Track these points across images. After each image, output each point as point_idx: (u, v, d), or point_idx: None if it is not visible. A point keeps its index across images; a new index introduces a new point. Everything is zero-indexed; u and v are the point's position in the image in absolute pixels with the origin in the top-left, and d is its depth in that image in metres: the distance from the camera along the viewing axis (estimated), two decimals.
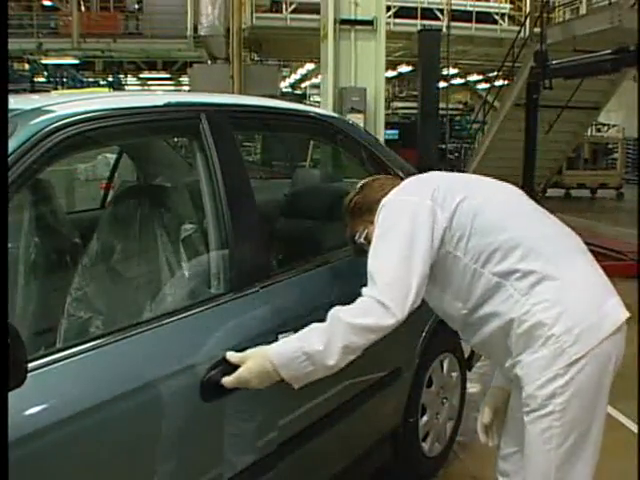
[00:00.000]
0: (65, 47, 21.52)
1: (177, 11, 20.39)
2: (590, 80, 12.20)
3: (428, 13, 18.01)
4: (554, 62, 9.64)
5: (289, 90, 30.23)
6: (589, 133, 19.37)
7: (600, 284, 2.03)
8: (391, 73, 24.59)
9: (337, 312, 1.92)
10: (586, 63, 9.30)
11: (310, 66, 24.16)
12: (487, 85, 22.52)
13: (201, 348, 1.96)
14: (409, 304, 1.92)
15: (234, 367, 1.93)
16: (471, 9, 18.34)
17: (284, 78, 27.50)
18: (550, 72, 9.61)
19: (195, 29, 17.82)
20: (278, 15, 17.38)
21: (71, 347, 1.72)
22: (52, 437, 1.57)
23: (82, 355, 1.70)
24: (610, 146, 20.06)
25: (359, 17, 9.61)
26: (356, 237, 2.30)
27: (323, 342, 1.88)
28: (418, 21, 17.33)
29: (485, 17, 18.79)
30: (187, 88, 20.74)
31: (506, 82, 16.16)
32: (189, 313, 2.00)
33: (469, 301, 2.04)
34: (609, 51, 8.48)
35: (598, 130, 21.71)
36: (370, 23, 9.63)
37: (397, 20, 17.38)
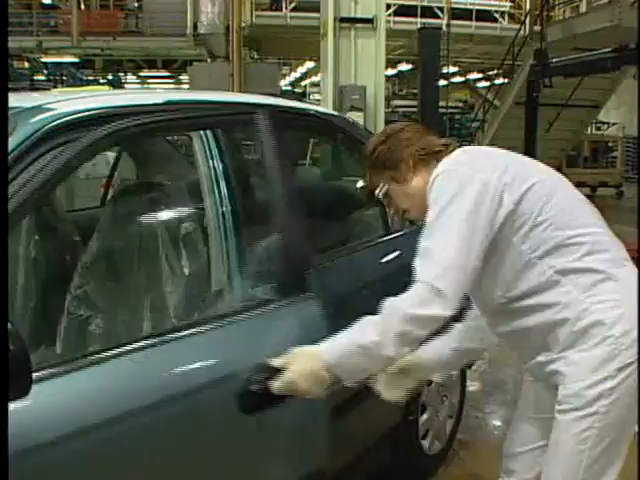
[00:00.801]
0: (65, 45, 21.50)
1: (177, 9, 20.37)
2: (590, 78, 12.21)
3: (428, 11, 17.99)
4: (554, 60, 9.64)
5: (289, 88, 30.19)
6: (589, 131, 19.35)
7: None
8: (391, 71, 24.58)
9: (392, 302, 1.78)
10: (586, 61, 9.32)
11: (310, 64, 24.14)
12: (487, 83, 22.51)
13: (239, 357, 1.90)
14: (463, 292, 1.82)
15: (273, 376, 1.81)
16: (471, 7, 18.33)
17: (284, 76, 27.49)
18: (550, 70, 9.62)
19: (195, 27, 17.81)
20: (278, 13, 17.37)
21: (97, 353, 1.70)
22: (86, 444, 1.56)
23: (112, 361, 1.68)
24: (610, 144, 20.05)
25: (359, 15, 9.62)
26: (376, 192, 2.11)
27: (378, 333, 1.75)
28: (418, 19, 17.32)
29: (485, 15, 18.79)
30: (187, 86, 20.70)
31: (506, 80, 16.17)
32: (230, 319, 1.94)
33: (514, 290, 1.92)
34: (609, 49, 8.49)
35: (598, 128, 21.70)
36: (370, 21, 9.63)
37: (397, 18, 17.35)
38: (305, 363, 1.80)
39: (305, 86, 30.99)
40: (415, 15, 17.56)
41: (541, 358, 1.95)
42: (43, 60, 22.66)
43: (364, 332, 1.78)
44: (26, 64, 23.15)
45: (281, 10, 17.28)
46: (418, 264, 1.81)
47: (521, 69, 13.65)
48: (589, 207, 2.02)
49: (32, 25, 21.47)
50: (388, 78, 23.70)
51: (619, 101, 18.52)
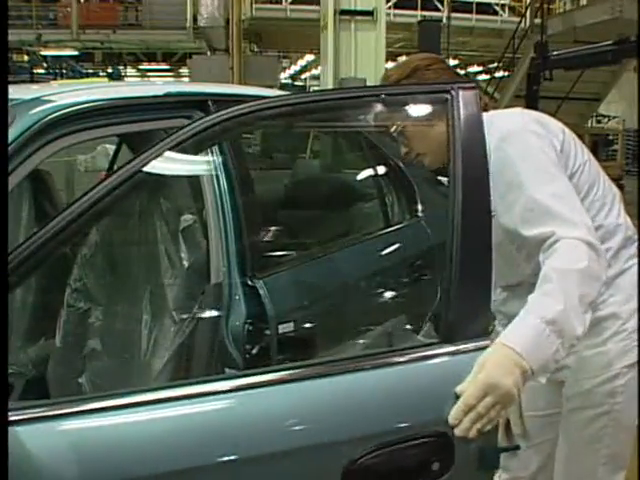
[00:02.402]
0: (64, 38, 21.49)
1: (177, 2, 20.36)
2: (591, 71, 12.20)
3: (428, 4, 17.97)
4: (554, 53, 9.63)
5: (289, 81, 30.17)
6: (589, 124, 19.33)
7: None
8: (391, 64, 24.56)
9: (557, 265, 1.51)
10: (586, 54, 9.31)
11: (310, 57, 24.11)
12: (487, 76, 22.47)
13: (361, 419, 1.41)
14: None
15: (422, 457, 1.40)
16: (471, 0, 18.29)
17: (284, 69, 27.45)
18: (550, 63, 9.61)
19: (195, 20, 17.79)
20: (278, 6, 17.34)
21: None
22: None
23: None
24: (610, 137, 20.03)
25: (359, 8, 9.61)
26: (392, 129, 1.94)
27: (561, 301, 1.43)
28: (418, 12, 17.29)
29: (485, 8, 18.76)
30: (187, 80, 20.69)
31: (506, 73, 16.15)
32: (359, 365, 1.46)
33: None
34: (610, 42, 8.47)
35: (598, 121, 21.67)
36: (370, 14, 9.62)
37: (397, 11, 17.35)
38: (498, 359, 1.39)
39: (305, 79, 30.96)
40: (415, 8, 17.54)
41: None
42: (42, 53, 22.65)
43: (544, 306, 1.44)
44: (25, 57, 23.14)
45: (281, 3, 17.25)
46: (554, 227, 1.57)
47: (521, 62, 13.64)
48: (621, 199, 1.94)
49: (31, 18, 21.44)
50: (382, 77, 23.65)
51: (620, 94, 18.49)
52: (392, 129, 1.92)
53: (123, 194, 1.42)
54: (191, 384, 1.39)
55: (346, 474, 1.33)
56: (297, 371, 1.42)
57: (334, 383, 1.40)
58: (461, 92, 1.59)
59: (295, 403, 1.38)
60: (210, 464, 1.30)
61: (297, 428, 1.36)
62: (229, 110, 1.54)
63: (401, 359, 1.46)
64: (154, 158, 1.46)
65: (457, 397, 1.36)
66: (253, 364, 1.83)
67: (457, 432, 1.35)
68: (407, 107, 1.86)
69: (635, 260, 1.86)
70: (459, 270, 1.48)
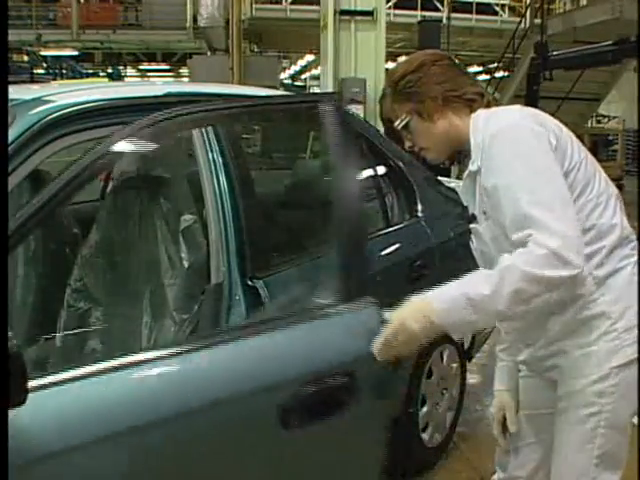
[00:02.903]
0: (64, 38, 21.49)
1: (177, 2, 20.37)
2: (590, 71, 12.19)
3: (428, 4, 17.95)
4: (554, 53, 9.62)
5: (289, 82, 30.17)
6: (589, 124, 19.34)
7: None
8: (391, 64, 24.55)
9: (510, 260, 1.65)
10: (586, 54, 9.30)
11: (310, 57, 24.12)
12: (487, 77, 22.47)
13: (291, 366, 1.74)
14: (582, 247, 1.66)
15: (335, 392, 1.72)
16: (471, 0, 18.29)
17: (284, 69, 27.46)
18: (550, 63, 9.61)
19: (194, 20, 17.80)
20: (278, 6, 17.32)
21: (140, 354, 1.62)
22: (117, 450, 1.48)
23: (147, 366, 1.58)
24: (610, 137, 20.03)
25: (359, 8, 9.61)
26: (396, 123, 1.92)
27: (491, 288, 1.63)
28: (418, 12, 17.28)
29: (485, 8, 18.75)
30: (187, 80, 20.70)
31: (506, 73, 16.14)
32: (284, 324, 1.79)
33: None
34: (610, 42, 8.47)
35: (598, 121, 21.67)
36: (370, 14, 9.63)
37: (397, 11, 17.33)
38: (416, 306, 1.71)
39: (305, 79, 30.96)
40: (415, 8, 17.52)
41: (541, 351, 1.91)
42: (42, 53, 22.64)
43: (475, 285, 1.66)
44: (25, 57, 23.14)
45: (281, 2, 17.24)
46: (529, 229, 1.64)
47: (521, 62, 13.64)
48: (618, 198, 1.92)
49: (31, 18, 21.44)
50: (388, 71, 23.67)
51: (619, 94, 18.49)
52: (396, 125, 1.92)
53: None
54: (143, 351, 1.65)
55: (282, 410, 1.66)
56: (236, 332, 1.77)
57: (266, 339, 1.73)
58: (324, 103, 1.99)
59: (236, 357, 1.68)
60: (169, 415, 1.53)
61: (240, 377, 1.65)
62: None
63: (313, 317, 1.82)
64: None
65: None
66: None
67: (379, 358, 1.75)
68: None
69: (629, 260, 1.84)
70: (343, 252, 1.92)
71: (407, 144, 1.98)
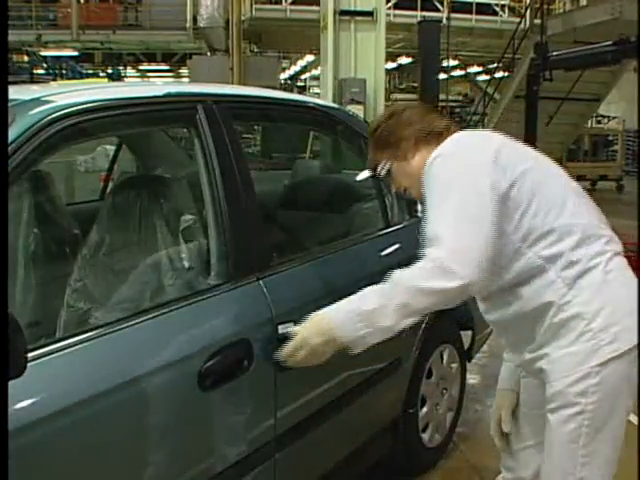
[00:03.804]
0: (64, 39, 21.51)
1: (176, 2, 20.37)
2: (590, 72, 12.20)
3: (428, 4, 17.95)
4: (554, 54, 9.62)
5: (289, 82, 30.17)
6: (589, 125, 19.34)
7: (635, 284, 1.92)
8: (391, 65, 24.55)
9: (398, 274, 1.80)
10: (586, 54, 9.30)
11: (310, 57, 24.12)
12: (487, 77, 22.48)
13: (199, 338, 1.95)
14: (477, 267, 1.73)
15: (238, 357, 1.91)
16: (471, 0, 18.29)
17: (284, 70, 27.46)
18: (550, 64, 9.60)
19: (194, 21, 17.81)
20: (278, 6, 17.32)
21: (67, 338, 1.72)
22: (46, 429, 1.56)
23: (78, 346, 1.69)
24: (610, 138, 20.03)
25: (359, 8, 9.62)
26: (378, 169, 2.12)
27: (379, 302, 1.78)
28: (418, 12, 17.28)
29: (485, 8, 18.75)
30: (187, 80, 20.70)
31: (506, 74, 16.15)
32: (187, 303, 1.98)
33: (505, 276, 1.90)
34: (609, 42, 8.47)
35: (598, 122, 21.68)
36: (370, 14, 9.64)
37: (397, 11, 17.34)
38: (314, 324, 1.89)
39: (305, 79, 30.97)
40: (415, 8, 17.52)
41: (528, 355, 1.95)
42: (42, 54, 22.65)
43: (366, 299, 1.81)
44: (25, 58, 23.14)
45: (281, 3, 17.24)
46: (428, 247, 1.78)
47: (521, 62, 13.64)
48: (582, 197, 1.99)
49: (31, 19, 21.44)
50: (388, 71, 23.69)
51: (619, 95, 18.49)
52: (378, 171, 2.12)
53: None
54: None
55: (200, 376, 1.88)
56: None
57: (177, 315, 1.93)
58: (200, 106, 2.20)
59: (154, 332, 1.87)
60: (113, 385, 1.70)
61: (161, 351, 1.85)
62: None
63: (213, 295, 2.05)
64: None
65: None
66: None
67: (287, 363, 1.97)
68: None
69: (601, 258, 1.86)
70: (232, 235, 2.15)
71: (393, 188, 2.19)
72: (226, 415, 2.05)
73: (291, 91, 24.28)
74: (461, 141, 1.97)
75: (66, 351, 1.66)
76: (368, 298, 1.82)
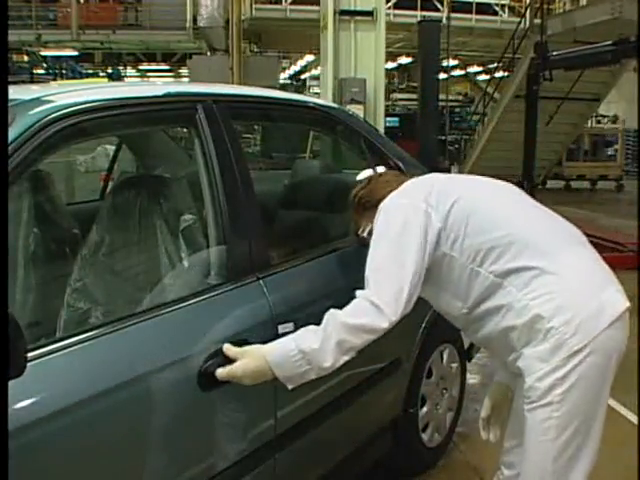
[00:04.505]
0: (64, 39, 21.50)
1: (176, 2, 20.36)
2: (590, 71, 12.18)
3: (428, 4, 17.96)
4: (554, 53, 9.61)
5: (289, 82, 30.17)
6: (589, 124, 19.33)
7: (599, 274, 2.02)
8: (391, 64, 24.55)
9: (333, 312, 1.94)
10: (586, 54, 9.28)
11: (310, 57, 24.12)
12: (487, 77, 22.48)
13: (199, 338, 1.96)
14: (402, 306, 1.94)
15: (230, 360, 1.93)
16: (471, 0, 18.28)
17: (284, 70, 27.46)
18: (550, 63, 9.58)
19: (194, 20, 17.81)
20: (278, 6, 17.33)
21: (66, 338, 1.72)
22: (46, 429, 1.56)
23: (78, 346, 1.70)
24: (610, 138, 20.02)
25: (359, 8, 9.61)
26: (359, 232, 2.33)
27: (318, 341, 1.89)
28: (418, 12, 17.28)
29: (485, 8, 18.75)
30: (187, 80, 20.70)
31: (506, 73, 16.14)
32: (188, 303, 1.99)
33: (468, 300, 2.06)
34: (609, 42, 8.46)
35: (598, 122, 21.67)
36: (370, 14, 9.63)
37: (397, 11, 17.34)
38: (253, 361, 1.92)
39: (305, 79, 30.97)
40: (415, 8, 17.53)
41: (510, 358, 2.04)
42: (42, 53, 22.65)
43: (305, 339, 1.91)
44: (25, 58, 23.14)
45: (281, 3, 17.24)
46: (365, 289, 1.96)
47: (521, 62, 13.62)
48: (527, 209, 2.15)
49: (31, 18, 21.43)
50: (388, 71, 23.69)
51: (619, 94, 18.48)
52: (360, 233, 2.33)
53: None
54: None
55: (200, 376, 1.90)
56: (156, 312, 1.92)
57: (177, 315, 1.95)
58: (200, 105, 2.21)
59: (155, 332, 1.88)
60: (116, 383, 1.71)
61: (165, 350, 1.87)
62: None
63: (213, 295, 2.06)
64: None
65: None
66: None
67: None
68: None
69: (545, 261, 1.95)
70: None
71: (358, 231, 2.36)
72: (226, 415, 2.05)
73: (299, 92, 24.31)
74: (399, 191, 2.18)
75: (66, 350, 1.67)
76: (307, 337, 1.92)
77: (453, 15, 16.90)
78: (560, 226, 2.11)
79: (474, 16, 18.35)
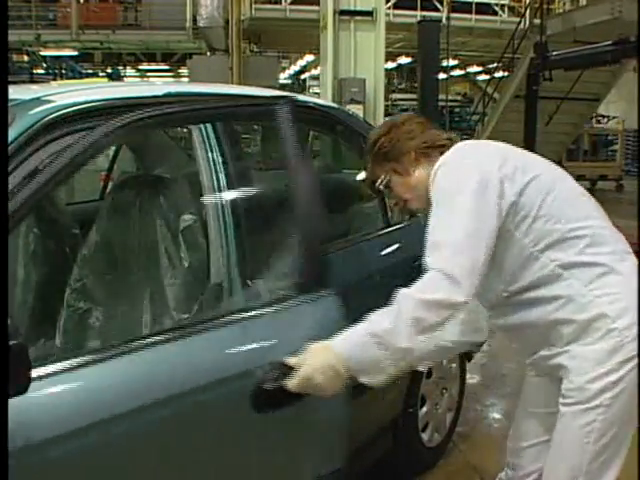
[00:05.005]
0: (64, 39, 21.48)
1: (176, 2, 20.35)
2: (590, 71, 12.19)
3: (428, 4, 17.94)
4: (554, 53, 9.61)
5: (288, 82, 30.16)
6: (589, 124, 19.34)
7: None
8: (391, 64, 24.54)
9: (404, 290, 1.76)
10: (586, 54, 9.30)
11: (310, 57, 24.10)
12: (487, 77, 22.47)
13: (257, 353, 1.90)
14: (477, 280, 1.78)
15: (288, 374, 1.80)
16: (471, 0, 18.28)
17: (283, 70, 27.45)
18: (550, 63, 9.60)
19: (194, 20, 17.80)
20: (277, 6, 17.31)
21: (108, 350, 1.71)
22: (90, 441, 1.56)
23: (121, 358, 1.68)
24: (610, 138, 20.03)
25: (358, 8, 9.62)
26: (377, 183, 2.09)
27: (390, 320, 1.72)
28: (418, 12, 17.27)
29: (485, 8, 18.74)
30: (186, 80, 20.69)
31: (506, 73, 16.14)
32: (240, 317, 1.94)
33: (516, 283, 1.91)
34: (609, 42, 8.47)
35: (598, 122, 21.67)
36: (370, 14, 9.64)
37: (397, 11, 17.32)
38: (319, 357, 1.77)
39: (305, 79, 30.95)
40: (415, 8, 17.50)
41: (544, 352, 1.95)
42: (42, 53, 22.63)
43: (377, 321, 1.75)
44: (25, 58, 23.12)
45: (280, 3, 17.23)
46: (429, 256, 1.79)
47: (521, 62, 13.63)
48: (590, 200, 2.02)
49: (31, 18, 21.42)
50: (388, 71, 23.68)
51: (619, 94, 18.48)
52: (377, 185, 2.08)
53: None
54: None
55: (254, 394, 1.81)
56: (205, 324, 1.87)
57: (229, 333, 1.89)
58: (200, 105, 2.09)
59: (212, 347, 1.83)
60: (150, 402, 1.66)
61: (221, 363, 1.81)
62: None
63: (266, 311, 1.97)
64: None
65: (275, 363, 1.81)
66: None
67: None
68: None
69: (612, 258, 1.88)
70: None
71: (391, 201, 2.18)
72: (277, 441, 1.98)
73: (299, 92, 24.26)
74: (466, 151, 1.98)
75: (104, 364, 1.65)
76: (378, 320, 1.75)
77: (453, 15, 16.88)
78: (613, 226, 2.02)
79: (474, 16, 18.33)
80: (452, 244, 1.77)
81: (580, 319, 1.85)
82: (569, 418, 1.88)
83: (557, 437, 1.92)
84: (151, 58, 27.46)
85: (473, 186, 1.83)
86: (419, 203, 2.05)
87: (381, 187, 2.09)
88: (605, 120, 21.99)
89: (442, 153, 1.99)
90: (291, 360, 1.80)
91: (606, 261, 1.87)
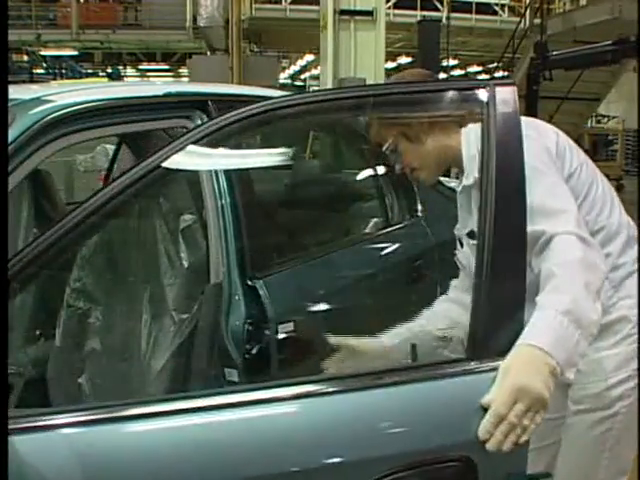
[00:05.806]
0: (64, 38, 21.46)
1: (176, 2, 20.35)
2: (590, 71, 12.19)
3: (428, 4, 17.94)
4: (554, 53, 9.62)
5: (289, 81, 30.16)
6: (589, 124, 19.33)
7: None
8: (391, 64, 24.54)
9: (558, 260, 1.51)
10: (586, 54, 9.30)
11: (310, 57, 24.10)
12: (487, 76, 22.46)
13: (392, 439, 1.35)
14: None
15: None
16: (471, 0, 18.28)
17: (283, 69, 27.44)
18: (550, 63, 9.60)
19: (194, 20, 17.78)
20: (277, 6, 17.31)
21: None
22: None
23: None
24: (610, 137, 20.03)
25: (359, 7, 9.63)
26: (384, 146, 1.89)
27: (569, 291, 1.43)
28: (418, 12, 17.27)
29: (485, 8, 18.74)
30: (186, 80, 20.69)
31: (506, 73, 16.14)
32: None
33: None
34: (609, 42, 8.47)
35: (598, 122, 21.67)
36: (370, 14, 9.64)
37: (397, 11, 17.32)
38: (530, 360, 1.34)
39: (305, 79, 30.95)
40: (415, 8, 17.51)
41: None
42: (42, 53, 22.62)
43: (554, 301, 1.42)
44: (25, 57, 23.12)
45: (281, 3, 17.23)
46: (544, 224, 1.56)
47: (521, 62, 13.63)
48: (618, 200, 1.93)
49: (31, 18, 21.42)
50: (388, 71, 23.68)
51: (619, 94, 18.48)
52: (385, 147, 1.88)
53: (138, 191, 1.46)
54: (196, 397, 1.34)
55: None
56: (316, 386, 1.35)
57: (354, 399, 1.34)
58: (497, 89, 1.56)
59: (315, 421, 1.33)
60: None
61: (318, 447, 1.30)
62: (241, 110, 1.56)
63: (425, 375, 1.40)
64: (169, 156, 1.49)
65: (485, 409, 1.28)
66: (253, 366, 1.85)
67: (489, 447, 1.26)
68: (438, 105, 1.79)
69: (634, 258, 1.84)
70: (490, 284, 1.39)
71: (397, 166, 1.95)
72: None
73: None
74: (526, 122, 1.69)
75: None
76: (554, 300, 1.43)
77: (453, 15, 16.89)
78: None
79: (474, 16, 18.33)
80: (572, 211, 1.61)
81: (602, 320, 1.67)
82: (585, 426, 1.82)
83: (571, 444, 1.86)
84: (151, 58, 27.44)
85: (546, 154, 1.73)
86: (428, 173, 1.91)
87: (387, 151, 1.90)
88: (605, 120, 21.99)
89: (462, 125, 1.82)
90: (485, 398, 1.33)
91: (633, 261, 1.82)
